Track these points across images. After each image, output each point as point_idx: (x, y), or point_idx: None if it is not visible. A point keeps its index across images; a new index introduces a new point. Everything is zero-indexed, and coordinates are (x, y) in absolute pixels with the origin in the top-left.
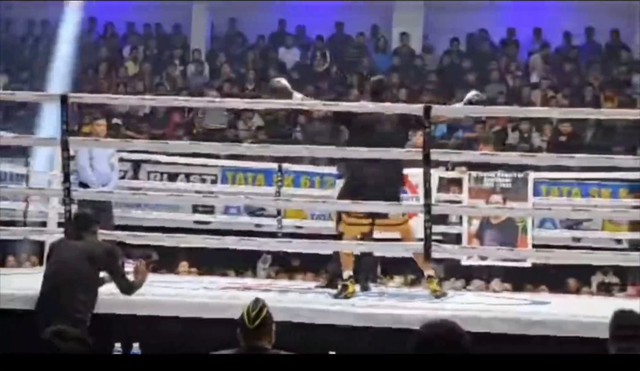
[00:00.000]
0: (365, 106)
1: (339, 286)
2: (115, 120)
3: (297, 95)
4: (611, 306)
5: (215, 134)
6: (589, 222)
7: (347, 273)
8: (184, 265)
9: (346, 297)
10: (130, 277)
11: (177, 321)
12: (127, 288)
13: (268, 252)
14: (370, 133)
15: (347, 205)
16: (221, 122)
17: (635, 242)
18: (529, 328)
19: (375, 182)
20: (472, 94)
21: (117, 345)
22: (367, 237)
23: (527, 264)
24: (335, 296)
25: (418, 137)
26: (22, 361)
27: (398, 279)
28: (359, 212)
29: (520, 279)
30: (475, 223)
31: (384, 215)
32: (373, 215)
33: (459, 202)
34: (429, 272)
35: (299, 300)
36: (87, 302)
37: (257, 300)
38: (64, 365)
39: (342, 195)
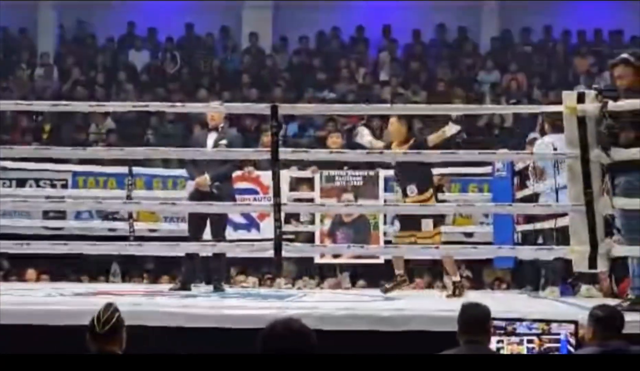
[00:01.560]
0: (216, 107)
1: (452, 288)
2: None
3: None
4: (461, 300)
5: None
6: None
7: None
8: (31, 273)
9: (460, 295)
10: None
11: (24, 329)
12: None
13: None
14: None
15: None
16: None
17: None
18: (379, 324)
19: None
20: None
21: None
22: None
23: (380, 261)
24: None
25: (267, 136)
26: None
27: (252, 279)
28: None
29: (375, 276)
30: (328, 222)
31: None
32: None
33: (310, 200)
34: (455, 278)
35: (152, 303)
36: None
37: (109, 305)
38: None
39: None
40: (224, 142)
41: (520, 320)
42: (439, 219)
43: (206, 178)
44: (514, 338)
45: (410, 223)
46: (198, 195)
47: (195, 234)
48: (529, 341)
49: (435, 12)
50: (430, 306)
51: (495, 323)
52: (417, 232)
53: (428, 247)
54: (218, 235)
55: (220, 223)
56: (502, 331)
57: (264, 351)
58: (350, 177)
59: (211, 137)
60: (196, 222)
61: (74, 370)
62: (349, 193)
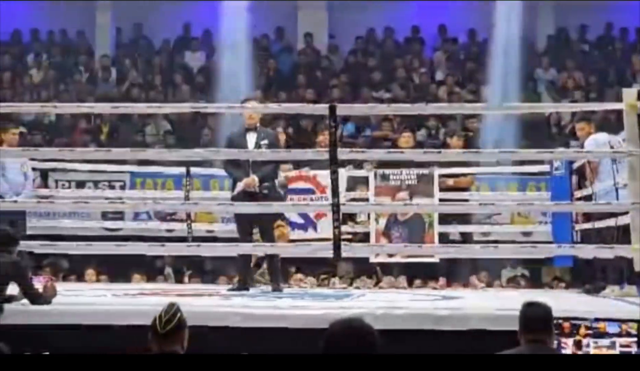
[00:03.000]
0: (273, 108)
1: None
2: (20, 129)
3: None
4: (521, 300)
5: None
6: (498, 216)
7: None
8: (90, 273)
9: None
10: (40, 290)
11: (86, 329)
12: (36, 300)
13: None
14: None
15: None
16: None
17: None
18: (440, 323)
19: None
20: None
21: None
22: None
23: (435, 260)
24: None
25: (322, 136)
26: None
27: (309, 279)
28: None
29: (430, 275)
30: (382, 221)
31: None
32: None
33: (366, 200)
34: None
35: (212, 304)
36: None
37: (171, 305)
38: None
39: None
40: (265, 141)
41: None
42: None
43: (254, 179)
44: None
45: None
46: (244, 196)
47: (244, 235)
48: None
49: (490, 10)
50: (489, 305)
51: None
52: None
53: (486, 246)
54: (267, 235)
55: (268, 223)
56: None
57: (327, 351)
58: (405, 176)
59: (251, 137)
60: (244, 224)
61: (134, 369)
62: (403, 192)
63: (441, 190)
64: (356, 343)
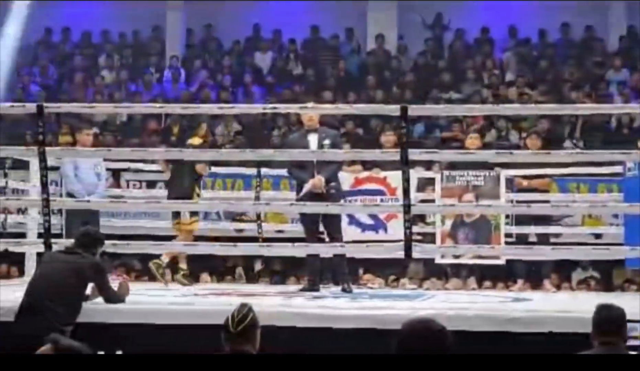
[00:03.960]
0: (344, 108)
1: None
2: (94, 130)
3: None
4: (592, 302)
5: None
6: (569, 217)
7: None
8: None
9: None
10: (115, 288)
11: (159, 328)
12: (113, 299)
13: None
14: None
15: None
16: None
17: None
18: (512, 325)
19: None
20: None
21: (101, 353)
22: None
23: (501, 261)
24: None
25: (392, 137)
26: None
27: (378, 280)
28: None
29: (498, 276)
30: (448, 222)
31: None
32: None
33: (432, 201)
34: None
35: (283, 304)
36: (69, 316)
37: (243, 305)
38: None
39: None
40: (327, 141)
41: None
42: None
43: (321, 179)
44: None
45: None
46: (311, 197)
47: (311, 235)
48: None
49: (560, 11)
50: (561, 307)
51: None
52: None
53: (557, 248)
54: (335, 236)
55: (336, 223)
56: None
57: (400, 351)
58: (471, 177)
59: (312, 138)
60: (311, 224)
61: (207, 369)
62: (470, 193)
63: (518, 191)
64: (430, 344)
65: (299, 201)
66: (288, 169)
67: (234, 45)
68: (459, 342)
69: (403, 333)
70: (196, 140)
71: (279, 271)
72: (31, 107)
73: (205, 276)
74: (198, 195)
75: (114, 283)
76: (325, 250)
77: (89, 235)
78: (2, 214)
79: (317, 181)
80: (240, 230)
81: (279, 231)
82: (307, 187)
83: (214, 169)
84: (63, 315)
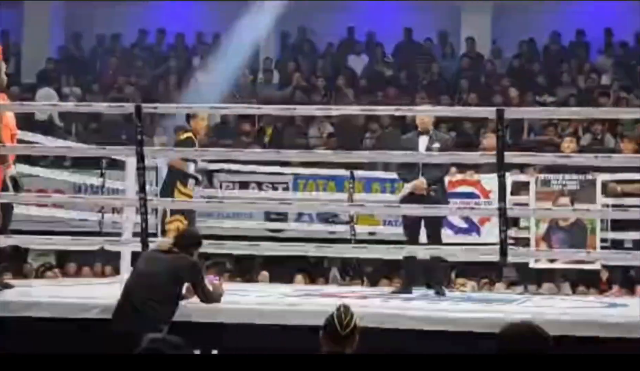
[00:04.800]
0: (439, 110)
1: None
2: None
3: None
4: None
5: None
6: None
7: None
8: (264, 275)
9: None
10: (210, 288)
11: (255, 329)
12: (208, 299)
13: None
14: None
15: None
16: None
17: None
18: (608, 330)
19: None
20: None
21: (197, 353)
22: None
23: (597, 266)
24: None
25: (489, 140)
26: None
27: (471, 283)
28: None
29: (592, 282)
30: (543, 226)
31: None
32: None
33: (526, 205)
34: None
35: (376, 306)
36: (165, 315)
37: (347, 307)
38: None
39: None
40: (437, 145)
41: None
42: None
43: (423, 181)
44: None
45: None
46: (412, 199)
47: (412, 237)
48: None
49: None
50: None
51: None
52: None
53: None
54: (435, 238)
55: (437, 226)
56: None
57: (501, 353)
58: (567, 181)
59: (422, 141)
60: (412, 226)
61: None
62: (565, 198)
63: (614, 196)
64: (532, 346)
65: (401, 202)
66: (397, 170)
67: (328, 48)
68: (556, 347)
69: (505, 335)
70: (183, 135)
71: (371, 273)
72: (129, 107)
73: (299, 277)
74: (183, 193)
75: (209, 283)
76: (422, 252)
77: (189, 236)
78: (99, 213)
79: (419, 183)
80: (333, 232)
81: (371, 233)
82: (407, 188)
83: (307, 171)
84: (160, 314)
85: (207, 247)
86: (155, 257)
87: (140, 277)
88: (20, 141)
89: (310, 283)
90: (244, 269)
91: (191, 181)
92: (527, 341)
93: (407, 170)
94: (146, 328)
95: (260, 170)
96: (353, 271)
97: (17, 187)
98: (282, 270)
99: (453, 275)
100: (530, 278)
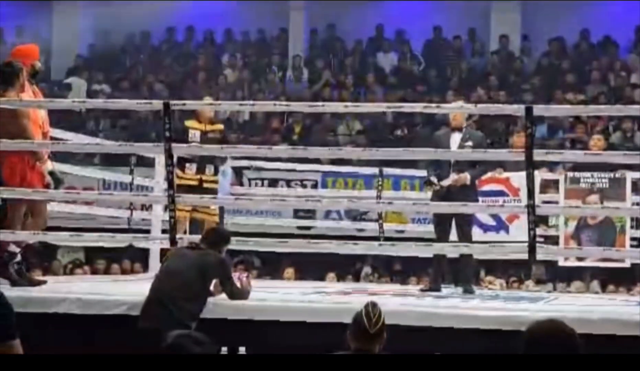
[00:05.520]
0: (467, 108)
1: None
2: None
3: None
4: None
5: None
6: None
7: None
8: (289, 272)
9: None
10: (238, 285)
11: (283, 326)
12: (236, 295)
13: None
14: None
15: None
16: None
17: None
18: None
19: None
20: None
21: (224, 349)
22: None
23: (626, 264)
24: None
25: (518, 138)
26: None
27: (499, 281)
28: None
29: (625, 280)
30: (572, 224)
31: None
32: None
33: (555, 202)
34: None
35: (405, 303)
36: (194, 312)
37: (374, 305)
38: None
39: None
40: (469, 143)
41: None
42: None
43: (467, 176)
44: None
45: None
46: (442, 197)
47: (441, 235)
48: None
49: None
50: None
51: None
52: None
53: None
54: (465, 237)
55: (467, 224)
56: None
57: (528, 352)
58: (596, 179)
59: (455, 138)
60: (443, 223)
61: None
62: (594, 195)
63: None
64: (558, 345)
65: (434, 196)
66: (426, 166)
67: (357, 46)
68: (585, 346)
69: (532, 333)
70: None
71: (399, 271)
72: (157, 104)
73: (331, 275)
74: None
75: (237, 280)
76: (453, 250)
77: (218, 233)
78: (128, 210)
79: (462, 176)
80: (361, 230)
81: (400, 231)
82: (448, 180)
83: (335, 168)
84: (188, 310)
85: (235, 244)
86: (184, 253)
87: (168, 273)
88: (51, 138)
89: (339, 280)
90: (273, 267)
91: (189, 165)
92: (553, 339)
93: (436, 167)
94: (174, 324)
95: (288, 168)
96: (381, 269)
97: (56, 180)
98: (312, 267)
99: (482, 273)
100: (559, 277)
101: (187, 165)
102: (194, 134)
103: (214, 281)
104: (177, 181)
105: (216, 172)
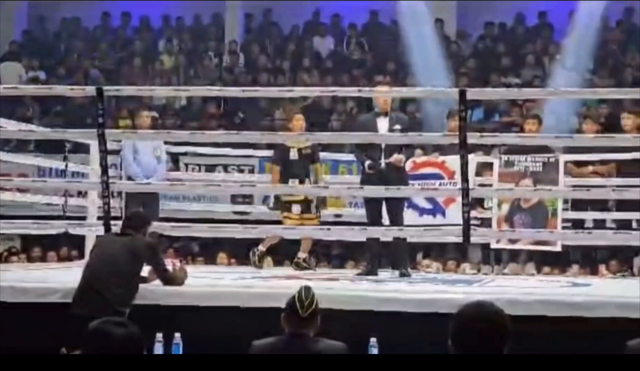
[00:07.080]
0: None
1: None
2: (152, 113)
3: None
4: None
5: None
6: None
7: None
8: (222, 257)
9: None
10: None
11: (217, 311)
12: (169, 281)
13: None
14: None
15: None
16: None
17: None
18: (574, 309)
19: None
20: None
21: (159, 335)
22: None
23: (557, 248)
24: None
25: (452, 121)
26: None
27: (436, 264)
28: None
29: (558, 262)
30: (505, 207)
31: None
32: None
33: (489, 185)
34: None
35: (341, 288)
36: (125, 297)
37: (307, 288)
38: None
39: None
40: (398, 126)
41: None
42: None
43: (402, 157)
44: None
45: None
46: (373, 181)
47: (373, 219)
48: None
49: None
50: (622, 293)
51: None
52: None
53: (619, 232)
54: (396, 220)
55: (399, 208)
56: None
57: (457, 334)
58: (530, 163)
59: (383, 122)
60: (373, 207)
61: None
62: (527, 179)
63: (581, 176)
64: (487, 326)
65: (364, 180)
66: (354, 151)
67: (293, 30)
68: (519, 327)
69: (460, 315)
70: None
71: (337, 256)
72: (91, 90)
73: (268, 260)
74: None
75: (171, 266)
76: (386, 234)
77: (138, 216)
78: (63, 197)
79: (400, 156)
80: None
81: (337, 215)
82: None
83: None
84: (120, 296)
85: (170, 229)
86: (112, 239)
87: (99, 259)
88: None
89: (275, 265)
90: (211, 253)
91: None
92: (481, 321)
93: (365, 151)
94: (107, 310)
95: (226, 153)
96: (319, 254)
97: None
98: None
99: (419, 257)
100: (496, 259)
101: None
102: (294, 153)
103: (147, 267)
104: None
105: None
